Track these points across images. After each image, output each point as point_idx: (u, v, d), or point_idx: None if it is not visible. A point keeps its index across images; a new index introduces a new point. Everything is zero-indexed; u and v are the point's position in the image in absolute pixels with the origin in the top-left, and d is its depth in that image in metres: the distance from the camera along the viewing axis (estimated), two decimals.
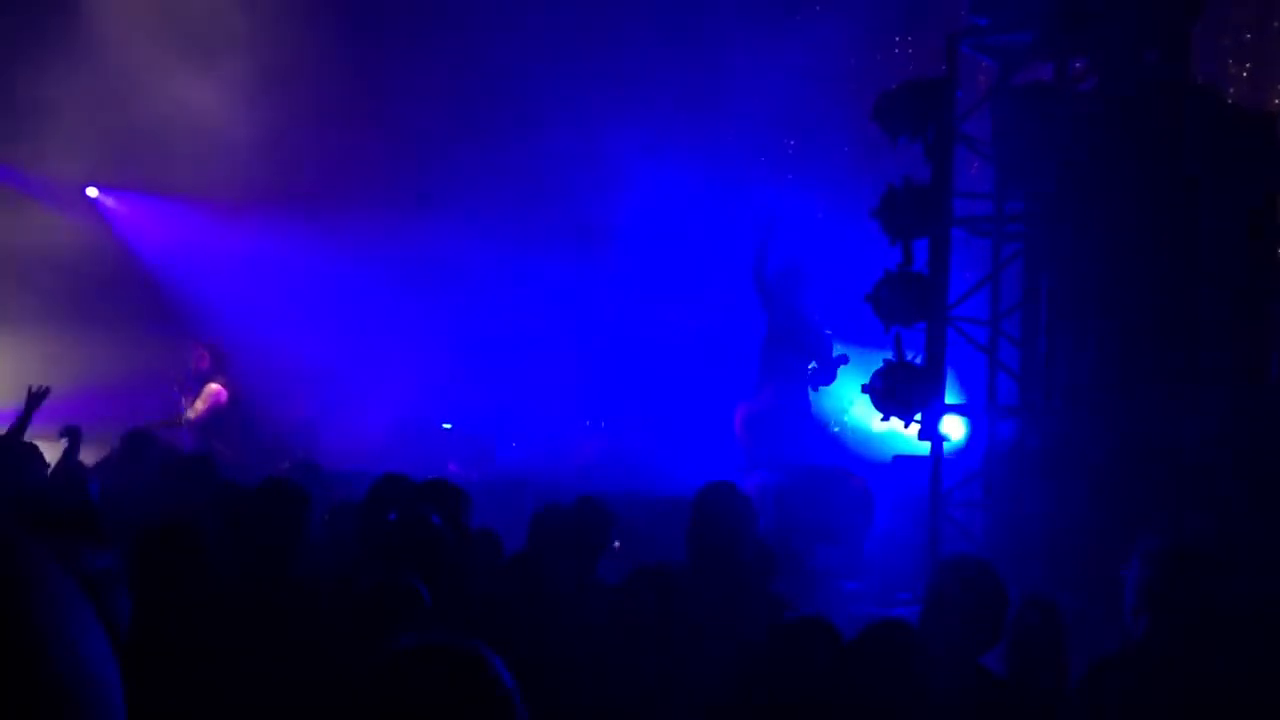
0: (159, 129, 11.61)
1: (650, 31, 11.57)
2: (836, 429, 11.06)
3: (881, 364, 7.47)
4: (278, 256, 12.47)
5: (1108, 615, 4.21)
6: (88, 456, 8.50)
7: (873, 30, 11.68)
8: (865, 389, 7.54)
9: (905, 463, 8.48)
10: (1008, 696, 3.79)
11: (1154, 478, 6.28)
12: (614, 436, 11.71)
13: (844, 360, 9.51)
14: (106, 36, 11.23)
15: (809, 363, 9.51)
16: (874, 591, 7.62)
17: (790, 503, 7.78)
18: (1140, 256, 6.83)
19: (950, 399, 7.76)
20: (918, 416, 7.36)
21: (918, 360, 7.45)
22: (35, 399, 8.17)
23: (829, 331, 9.66)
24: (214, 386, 10.35)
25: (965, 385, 8.89)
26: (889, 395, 7.37)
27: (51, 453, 7.95)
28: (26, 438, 7.83)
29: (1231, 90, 10.49)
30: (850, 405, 10.72)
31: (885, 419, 7.54)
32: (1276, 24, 11.00)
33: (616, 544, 7.00)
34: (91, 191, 13.19)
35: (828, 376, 9.53)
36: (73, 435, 8.49)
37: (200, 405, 10.33)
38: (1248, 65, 11.04)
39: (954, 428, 8.06)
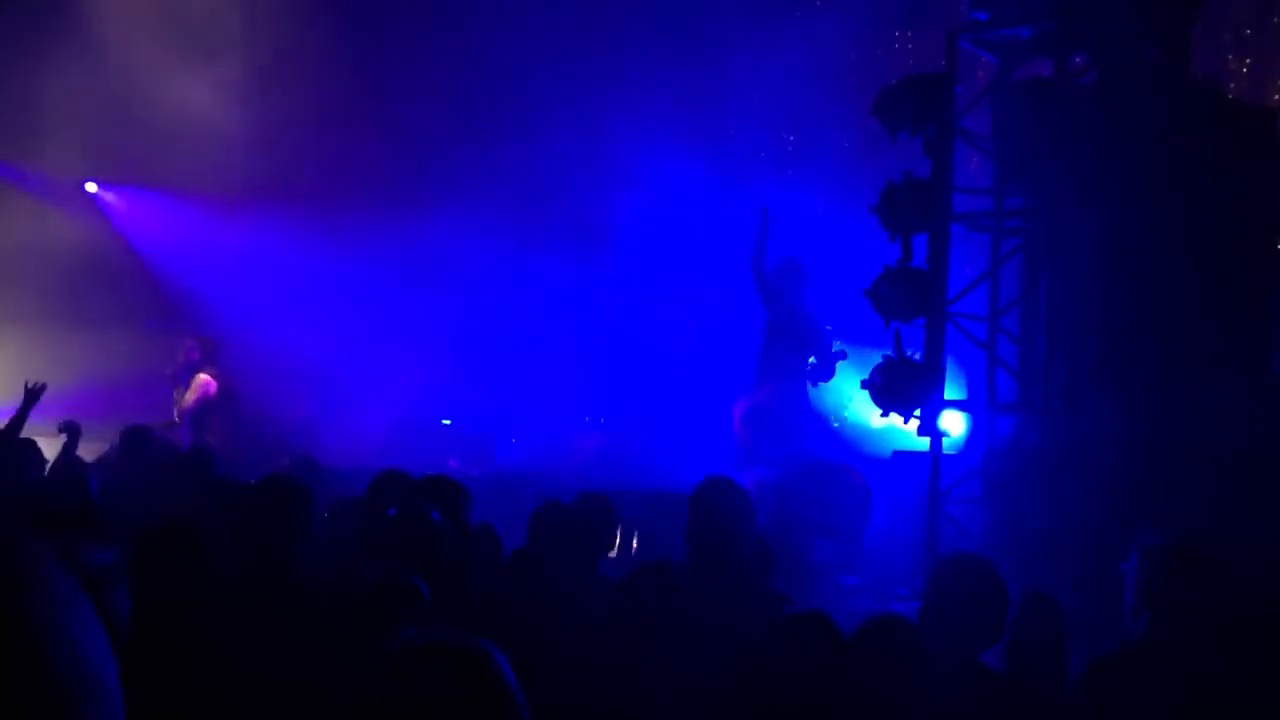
0: (159, 126, 11.61)
1: (650, 29, 11.57)
2: (836, 424, 11.05)
3: (881, 360, 7.47)
4: (277, 254, 12.47)
5: (1107, 613, 4.21)
6: (86, 452, 8.50)
7: (873, 26, 11.67)
8: (865, 384, 7.53)
9: (904, 459, 8.48)
10: (1007, 694, 3.79)
11: (1154, 475, 6.28)
12: (613, 432, 11.72)
13: (842, 355, 9.51)
14: (106, 33, 11.23)
15: (808, 358, 9.50)
16: (873, 587, 7.62)
17: (789, 498, 7.78)
18: (1140, 253, 6.83)
19: (950, 395, 7.76)
20: (917, 412, 7.36)
21: (917, 356, 7.45)
22: (32, 395, 8.17)
23: (829, 327, 9.66)
24: (203, 377, 10.37)
25: (965, 381, 8.89)
26: (888, 391, 7.37)
27: (51, 448, 7.95)
28: (26, 434, 7.83)
29: (1232, 85, 10.48)
30: (850, 401, 10.71)
31: (885, 415, 7.54)
32: (1276, 19, 10.99)
33: (634, 543, 7.01)
34: (90, 187, 13.18)
35: (827, 372, 9.52)
36: (72, 430, 8.49)
37: (190, 396, 10.34)
38: (1248, 60, 11.03)
39: (953, 424, 8.06)
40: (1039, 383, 7.33)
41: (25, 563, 0.81)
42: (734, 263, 10.13)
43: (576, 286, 12.16)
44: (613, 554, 5.41)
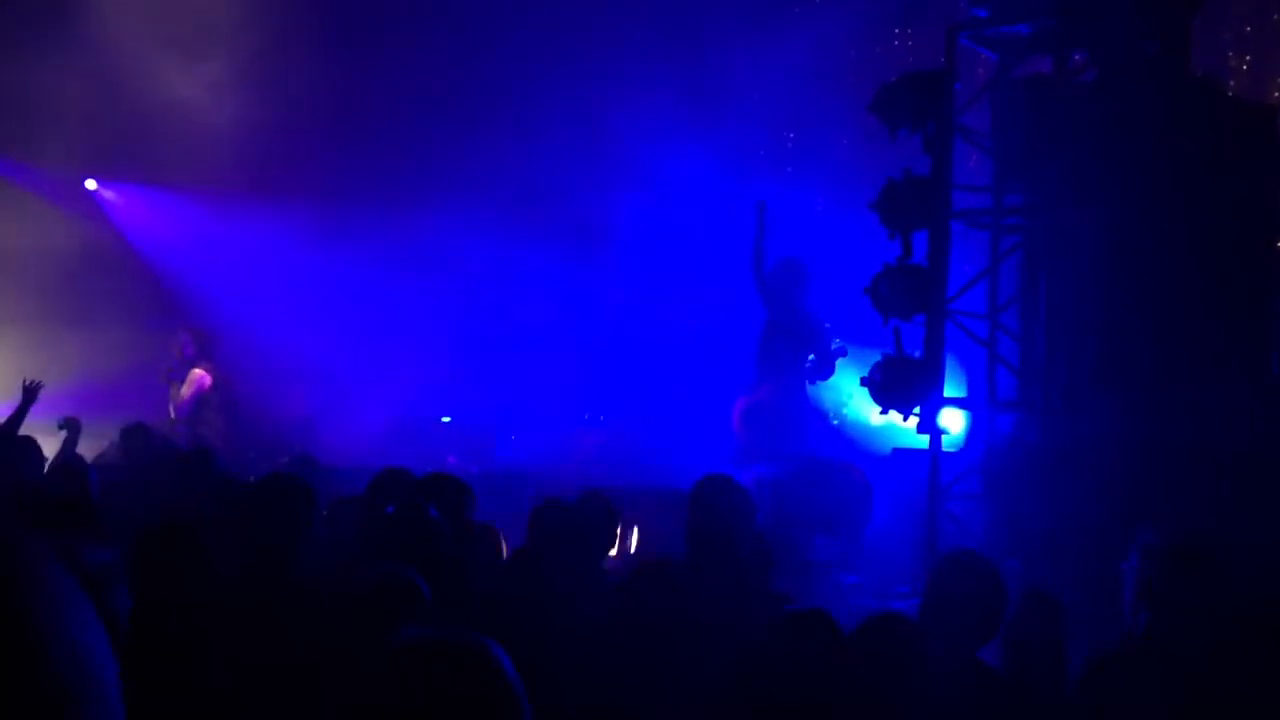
0: (159, 123, 11.61)
1: (649, 28, 11.56)
2: (835, 422, 11.05)
3: (880, 357, 7.47)
4: (277, 252, 12.48)
5: (1106, 610, 4.21)
6: (86, 449, 8.51)
7: (872, 23, 11.67)
8: (864, 382, 7.53)
9: (904, 456, 8.48)
10: (1006, 692, 3.79)
11: (1153, 474, 6.28)
12: (613, 430, 11.72)
13: (842, 352, 9.50)
14: (104, 28, 11.21)
15: (807, 356, 9.50)
16: (873, 585, 7.62)
17: (789, 496, 7.78)
18: (1140, 250, 6.82)
19: (950, 392, 7.76)
20: (916, 410, 7.36)
21: (916, 354, 7.45)
22: (30, 393, 8.19)
23: (828, 324, 9.65)
24: (197, 371, 10.39)
25: (964, 379, 8.89)
26: (888, 388, 7.37)
27: (51, 445, 7.95)
28: (27, 431, 7.84)
29: (1231, 83, 10.48)
30: (849, 398, 10.71)
31: (884, 412, 7.54)
32: (1276, 16, 10.99)
33: (634, 542, 7.01)
34: (90, 184, 13.18)
35: (826, 370, 9.52)
36: (72, 427, 8.50)
37: (186, 391, 10.36)
38: (1248, 58, 11.02)
39: (953, 421, 8.06)
40: (1038, 380, 7.33)
41: (25, 562, 0.81)
42: (733, 261, 10.13)
43: (576, 284, 12.17)
44: (613, 552, 5.40)
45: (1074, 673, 3.97)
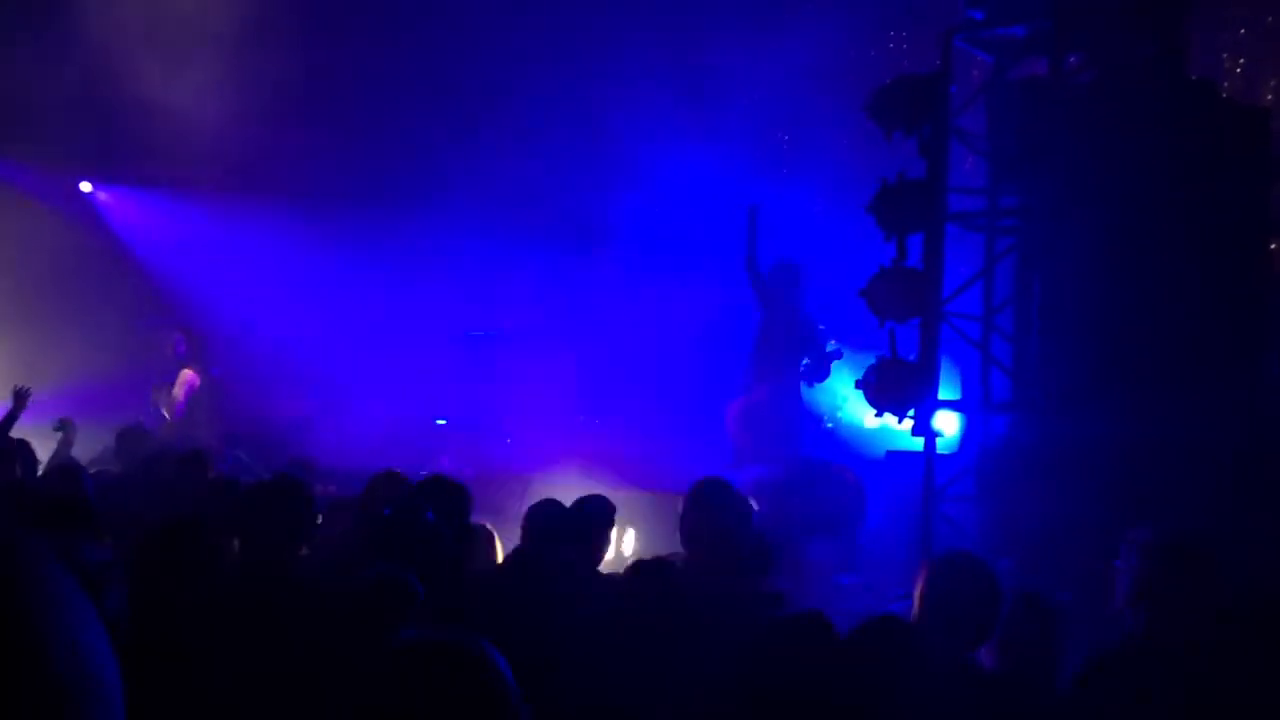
0: (154, 124, 11.59)
1: (646, 29, 11.57)
2: (830, 424, 11.06)
3: (875, 359, 7.47)
4: (273, 252, 12.47)
5: (1100, 611, 4.22)
6: (82, 450, 8.50)
7: (867, 25, 11.69)
8: (859, 384, 7.53)
9: (899, 458, 8.48)
10: (1001, 692, 3.80)
11: (1148, 475, 6.29)
12: (608, 432, 11.72)
13: (838, 355, 9.51)
14: (98, 30, 11.20)
15: (802, 358, 9.51)
16: (868, 586, 7.63)
17: (784, 498, 7.78)
18: (1135, 252, 6.83)
19: (944, 394, 7.76)
20: (911, 412, 7.37)
21: (910, 357, 7.45)
22: (20, 399, 8.21)
23: (823, 327, 9.66)
24: (187, 372, 10.37)
25: (959, 380, 8.89)
26: (883, 391, 7.37)
27: (46, 447, 7.95)
28: (23, 433, 7.85)
29: (1226, 85, 10.51)
30: (844, 401, 10.72)
31: (879, 415, 7.54)
32: (1270, 19, 11.02)
33: (631, 543, 7.02)
34: (85, 186, 13.17)
35: (822, 372, 9.53)
36: (67, 427, 8.50)
37: (178, 394, 10.35)
38: (1242, 60, 11.05)
39: (947, 424, 8.06)
40: (1033, 382, 7.33)
41: (25, 562, 0.81)
42: (729, 262, 10.13)
43: (571, 286, 12.16)
44: (609, 555, 5.41)
45: (1068, 673, 3.98)
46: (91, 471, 7.05)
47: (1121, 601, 3.84)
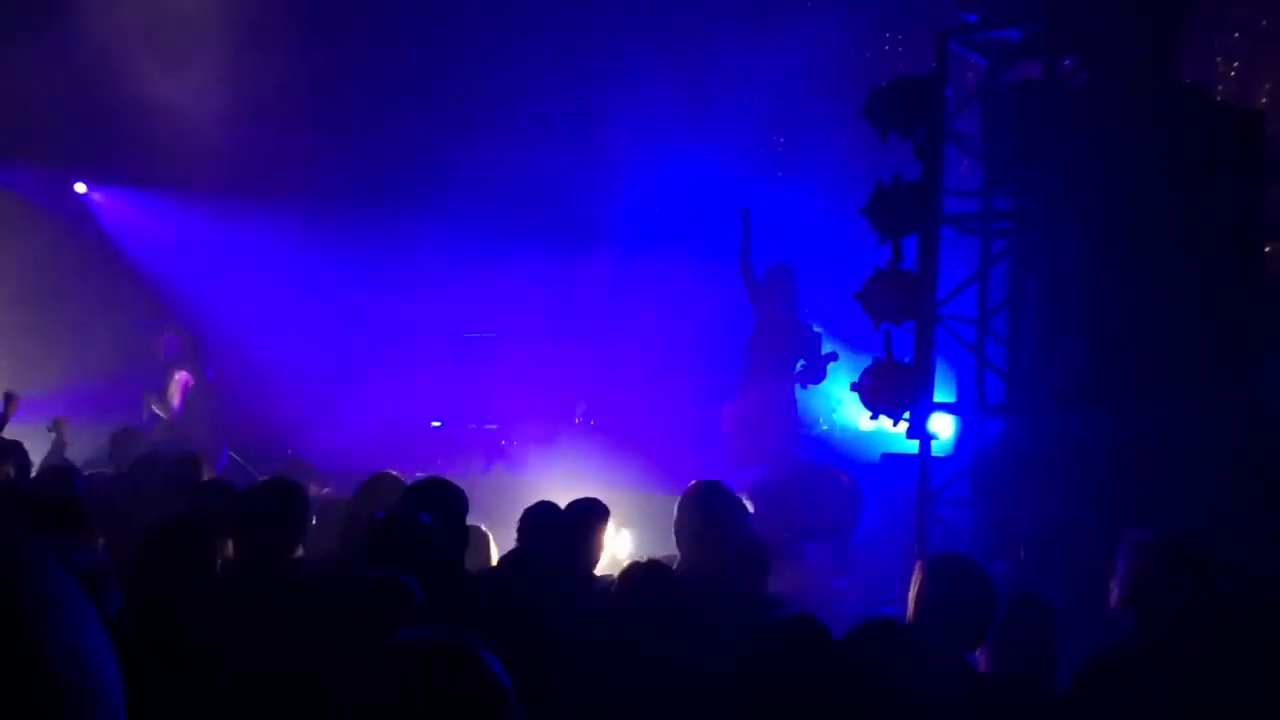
0: (148, 125, 11.58)
1: (641, 30, 11.57)
2: (825, 427, 11.07)
3: (870, 362, 7.47)
4: (269, 253, 12.45)
5: (1096, 613, 4.22)
6: (76, 450, 8.49)
7: (863, 28, 11.70)
8: (854, 387, 7.54)
9: (893, 461, 8.49)
10: (996, 693, 3.80)
11: (1143, 476, 6.29)
12: (603, 433, 11.72)
13: (833, 357, 9.51)
14: (91, 31, 11.18)
15: (798, 360, 9.51)
16: (863, 589, 7.63)
17: (778, 500, 7.78)
18: (1128, 255, 6.84)
19: (938, 397, 7.77)
20: (906, 415, 7.37)
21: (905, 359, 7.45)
22: (9, 402, 8.23)
23: (818, 329, 9.66)
24: (180, 374, 10.36)
25: (953, 383, 8.90)
26: (878, 393, 7.37)
27: (40, 448, 7.93)
28: (16, 434, 7.84)
29: (1219, 89, 10.53)
30: (839, 403, 10.73)
31: (874, 417, 7.54)
32: (1265, 23, 11.04)
33: (626, 545, 7.01)
34: (79, 187, 13.15)
35: (818, 374, 9.53)
36: (60, 428, 8.49)
37: (175, 395, 10.33)
38: (1235, 64, 11.08)
39: (942, 426, 8.07)
40: (1027, 385, 7.34)
41: (25, 562, 0.81)
42: (725, 264, 10.15)
43: (568, 287, 12.17)
44: (605, 556, 5.40)
45: (1065, 675, 3.98)
46: (85, 473, 7.04)
47: (1117, 603, 3.85)
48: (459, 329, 12.58)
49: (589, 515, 5.18)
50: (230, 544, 4.35)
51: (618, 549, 6.85)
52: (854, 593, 7.57)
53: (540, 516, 5.17)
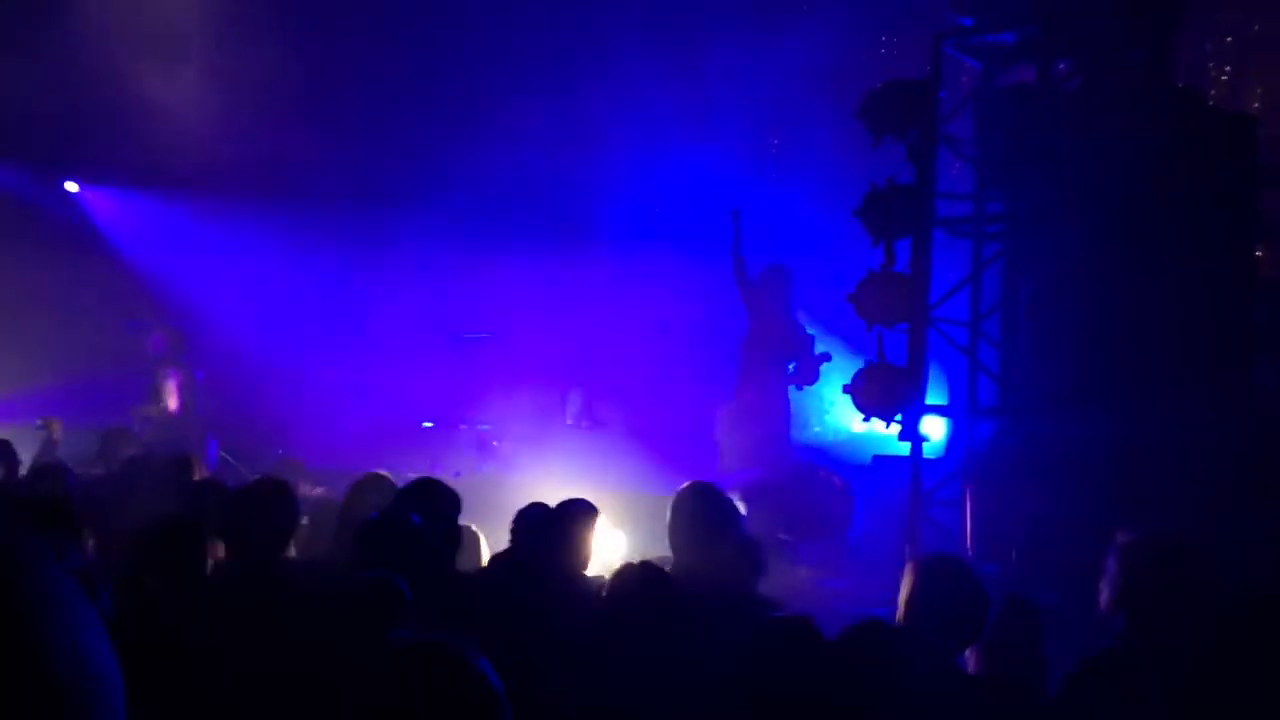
0: (140, 125, 11.56)
1: (635, 31, 11.57)
2: (817, 429, 11.08)
3: (863, 364, 7.49)
4: (261, 253, 12.44)
5: (1087, 614, 4.23)
6: (68, 448, 8.47)
7: (857, 30, 11.71)
8: (847, 389, 7.55)
9: (885, 463, 8.50)
10: (987, 695, 3.81)
11: (1134, 478, 6.31)
12: (596, 434, 11.71)
13: (826, 358, 9.52)
14: (83, 29, 11.16)
15: (790, 362, 9.51)
16: (855, 591, 7.63)
17: (771, 501, 7.79)
18: (1121, 257, 6.86)
19: (930, 399, 7.78)
20: (898, 417, 7.38)
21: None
22: None
23: (811, 332, 9.67)
24: (172, 375, 10.35)
25: (945, 385, 8.92)
26: (870, 395, 7.38)
27: (31, 447, 7.91)
28: (14, 431, 7.83)
29: (1213, 93, 10.56)
30: (832, 405, 10.74)
31: (866, 419, 7.55)
32: (1257, 27, 11.07)
33: (619, 546, 7.00)
34: (71, 186, 13.13)
35: (811, 375, 9.53)
36: (52, 425, 8.48)
37: (172, 398, 10.32)
38: (1228, 69, 11.10)
39: (934, 428, 8.08)
40: (1019, 387, 7.35)
41: (25, 562, 0.81)
42: (717, 266, 10.15)
43: (560, 288, 12.17)
44: (598, 557, 5.39)
45: (1055, 676, 3.98)
46: (76, 472, 7.02)
47: (1106, 604, 3.85)
48: (452, 329, 12.56)
49: (576, 515, 5.16)
50: (220, 545, 4.34)
51: (611, 550, 6.85)
52: (846, 594, 7.57)
53: (533, 518, 5.16)
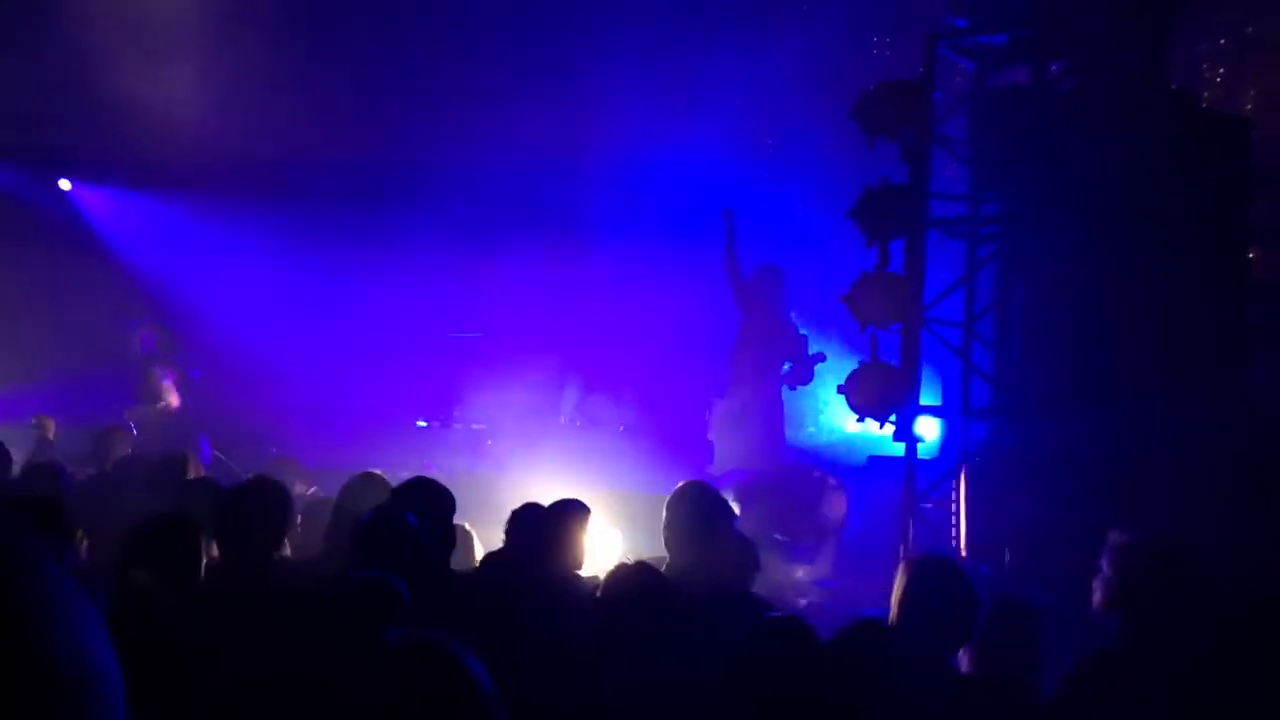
0: (135, 124, 11.54)
1: (630, 32, 11.58)
2: (812, 430, 11.08)
3: (857, 365, 7.49)
4: (255, 252, 12.44)
5: (1081, 615, 4.24)
6: (61, 449, 8.45)
7: (852, 31, 11.72)
8: (841, 390, 7.55)
9: (879, 464, 8.51)
10: (979, 695, 3.82)
11: (1127, 479, 6.32)
12: (589, 434, 11.71)
13: (821, 358, 9.52)
14: (78, 26, 11.14)
15: (784, 362, 9.52)
16: (848, 591, 7.65)
17: (765, 501, 7.80)
18: (1115, 259, 6.87)
19: (924, 400, 7.79)
20: (892, 417, 7.39)
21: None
22: None
23: (805, 332, 9.68)
24: (166, 374, 10.34)
25: (940, 386, 8.93)
26: (864, 396, 7.39)
27: (22, 441, 7.89)
28: (4, 432, 7.81)
29: (1206, 95, 10.58)
30: (826, 406, 10.74)
31: (860, 420, 7.56)
32: (1251, 30, 11.09)
33: (613, 546, 7.01)
34: (65, 184, 13.11)
35: (806, 376, 9.54)
36: (45, 424, 8.47)
37: (172, 396, 10.31)
38: (1221, 70, 11.13)
39: (927, 429, 8.09)
40: (1013, 388, 7.36)
41: (25, 562, 0.82)
42: (711, 266, 10.15)
43: (554, 287, 12.16)
44: (589, 557, 5.40)
45: (1049, 677, 3.99)
46: (70, 471, 7.00)
47: (1100, 605, 3.87)
48: (446, 328, 12.56)
49: (570, 515, 5.17)
50: (214, 544, 4.34)
51: (606, 550, 6.86)
52: (839, 594, 7.58)
53: (527, 518, 5.16)
